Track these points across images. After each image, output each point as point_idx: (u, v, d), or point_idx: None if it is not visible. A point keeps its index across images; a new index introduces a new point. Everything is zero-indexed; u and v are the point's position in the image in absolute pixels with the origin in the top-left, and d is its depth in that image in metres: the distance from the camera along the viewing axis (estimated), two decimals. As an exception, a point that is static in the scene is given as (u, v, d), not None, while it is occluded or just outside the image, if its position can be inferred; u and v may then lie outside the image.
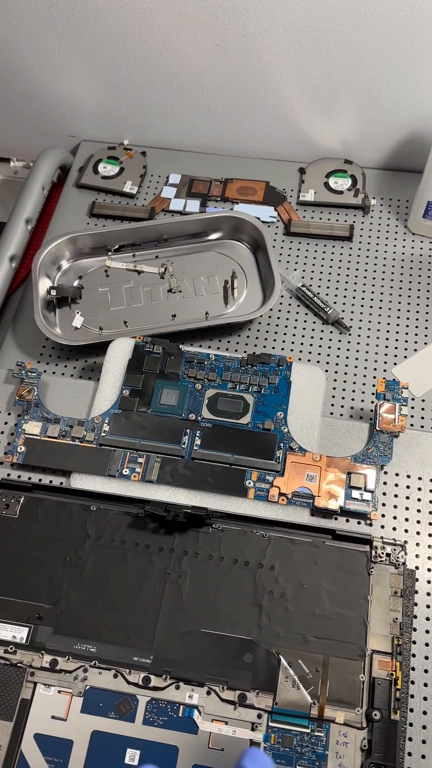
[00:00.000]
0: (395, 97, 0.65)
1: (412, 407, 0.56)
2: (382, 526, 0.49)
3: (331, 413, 0.57)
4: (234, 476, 0.50)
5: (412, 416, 0.56)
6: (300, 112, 0.69)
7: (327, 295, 0.64)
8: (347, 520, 0.49)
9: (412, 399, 0.57)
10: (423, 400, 0.57)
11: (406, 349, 0.60)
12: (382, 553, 0.46)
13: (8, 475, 0.52)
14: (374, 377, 0.59)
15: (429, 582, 0.47)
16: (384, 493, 0.50)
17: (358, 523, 0.49)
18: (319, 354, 0.60)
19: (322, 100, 0.67)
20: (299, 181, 0.71)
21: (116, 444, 0.52)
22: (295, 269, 0.65)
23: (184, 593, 0.46)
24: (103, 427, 0.52)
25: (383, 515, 0.49)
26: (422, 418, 0.56)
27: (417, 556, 0.47)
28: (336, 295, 0.64)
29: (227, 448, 0.51)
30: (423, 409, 0.56)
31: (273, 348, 0.61)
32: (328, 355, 0.60)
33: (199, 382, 0.54)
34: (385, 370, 0.59)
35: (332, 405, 0.57)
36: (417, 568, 0.47)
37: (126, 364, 0.55)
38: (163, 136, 0.75)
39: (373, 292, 0.63)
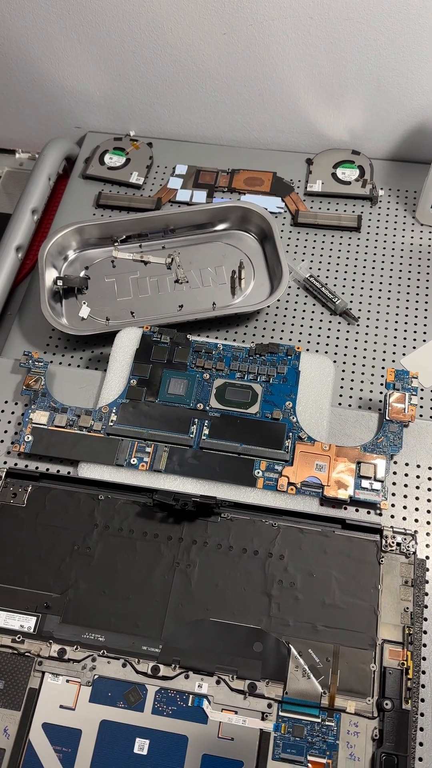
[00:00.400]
0: (404, 88, 0.65)
1: (422, 397, 0.56)
2: (392, 516, 0.48)
3: (340, 403, 0.57)
4: (242, 466, 0.50)
5: (421, 406, 0.56)
6: (308, 102, 0.68)
7: (335, 285, 0.63)
8: (357, 510, 0.49)
9: (422, 389, 0.56)
10: (432, 391, 0.57)
11: (414, 339, 0.60)
12: (393, 543, 0.46)
13: (15, 464, 0.51)
14: (383, 367, 0.58)
15: (439, 572, 0.46)
16: (394, 483, 0.49)
17: (368, 512, 0.48)
18: (327, 344, 0.60)
19: (330, 90, 0.67)
20: (307, 172, 0.70)
21: (124, 433, 0.51)
22: (303, 260, 0.65)
23: (193, 582, 0.46)
24: (110, 416, 0.52)
25: (393, 505, 0.48)
26: (431, 408, 0.56)
27: (427, 545, 0.47)
28: (344, 286, 0.63)
29: (236, 437, 0.51)
30: (432, 399, 0.56)
31: (281, 338, 0.61)
32: (336, 345, 0.60)
33: (207, 371, 0.54)
34: (393, 361, 0.59)
35: (341, 395, 0.57)
36: (427, 557, 0.47)
37: (133, 354, 0.55)
38: (169, 126, 0.75)
39: (381, 283, 0.63)
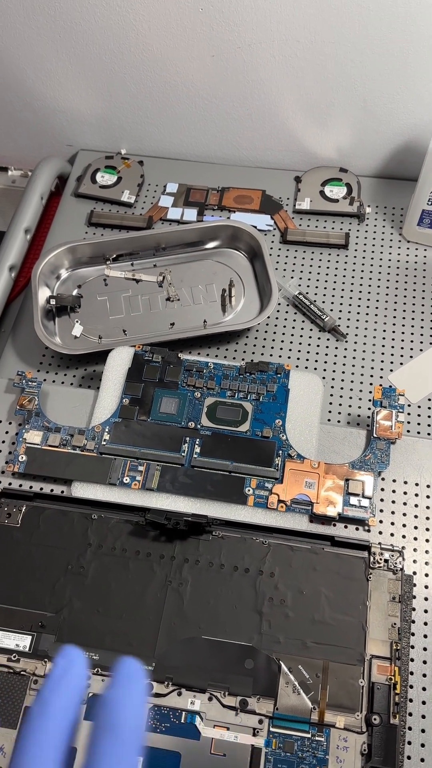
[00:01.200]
0: (389, 107, 0.66)
1: (409, 413, 0.57)
2: (380, 532, 0.49)
3: (329, 420, 0.58)
4: (233, 484, 0.50)
5: (408, 422, 0.57)
6: (295, 121, 0.69)
7: (323, 302, 0.64)
8: (345, 527, 0.49)
9: (408, 405, 0.57)
10: (419, 407, 0.58)
11: (402, 356, 0.61)
12: (381, 559, 0.47)
13: (10, 484, 0.52)
14: (371, 384, 0.59)
15: (426, 587, 0.47)
16: (382, 500, 0.50)
17: (357, 529, 0.49)
18: (316, 361, 0.61)
19: (318, 110, 0.68)
20: (295, 190, 0.72)
21: (117, 452, 0.52)
22: (292, 277, 0.66)
23: (186, 600, 0.46)
24: (103, 435, 0.53)
25: (381, 521, 0.49)
26: (418, 424, 0.57)
27: (414, 561, 0.48)
28: (332, 303, 0.64)
29: (226, 455, 0.52)
30: (419, 415, 0.57)
31: (271, 356, 0.62)
32: (325, 362, 0.61)
33: (198, 390, 0.55)
34: (381, 377, 0.60)
35: (329, 412, 0.58)
36: (415, 573, 0.47)
37: (125, 373, 0.56)
38: (160, 145, 0.76)
39: (369, 300, 0.64)
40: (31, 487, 0.52)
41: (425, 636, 0.46)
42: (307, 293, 0.64)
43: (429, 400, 0.58)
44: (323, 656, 0.44)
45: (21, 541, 0.49)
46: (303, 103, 0.67)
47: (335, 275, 0.66)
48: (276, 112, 0.69)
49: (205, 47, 0.64)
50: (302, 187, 0.71)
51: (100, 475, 0.51)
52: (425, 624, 0.46)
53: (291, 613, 0.46)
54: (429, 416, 0.57)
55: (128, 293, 0.65)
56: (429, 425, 0.56)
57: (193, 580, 0.47)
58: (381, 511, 0.50)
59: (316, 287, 0.65)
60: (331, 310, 0.64)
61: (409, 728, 0.43)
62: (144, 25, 0.63)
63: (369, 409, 0.58)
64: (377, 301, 0.64)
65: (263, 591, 0.46)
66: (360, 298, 0.64)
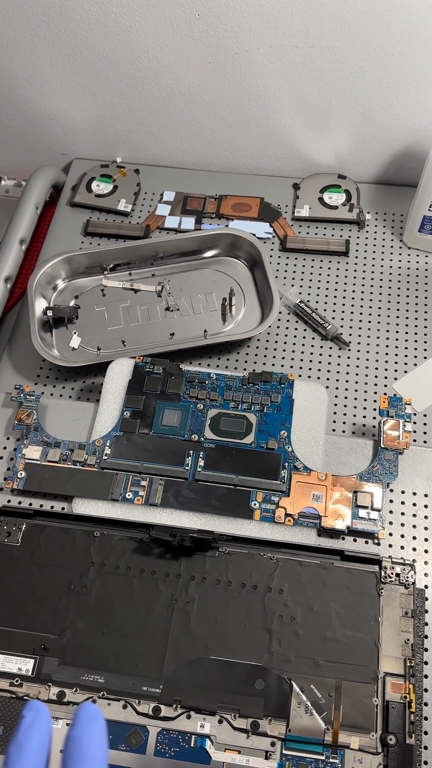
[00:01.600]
0: (388, 113, 0.65)
1: (415, 422, 0.56)
2: (390, 545, 0.48)
3: (334, 430, 0.57)
4: (239, 498, 0.49)
5: (414, 431, 0.56)
6: (293, 128, 0.69)
7: (325, 310, 0.63)
8: (355, 540, 0.48)
9: (414, 414, 0.57)
10: (425, 415, 0.57)
11: (406, 363, 0.60)
12: (392, 573, 0.46)
13: (8, 501, 0.51)
14: (375, 392, 0.58)
15: (439, 601, 0.46)
16: (391, 512, 0.49)
17: (366, 542, 0.48)
18: (319, 370, 0.60)
19: (316, 116, 0.67)
20: (294, 197, 0.71)
21: (118, 467, 0.51)
22: (293, 285, 0.65)
23: (192, 619, 0.45)
24: (104, 450, 0.52)
25: (391, 534, 0.48)
26: (425, 433, 0.56)
27: (426, 574, 0.47)
28: (334, 311, 0.63)
29: (231, 468, 0.50)
30: (425, 424, 0.56)
31: (273, 365, 0.61)
32: (329, 371, 0.60)
33: (201, 401, 0.54)
34: (386, 385, 0.59)
35: (334, 422, 0.57)
36: (426, 587, 0.46)
37: (126, 385, 0.55)
38: (156, 153, 0.75)
39: (371, 307, 0.63)
40: (30, 505, 0.51)
41: (439, 651, 0.45)
42: (308, 301, 0.64)
43: (435, 408, 0.57)
44: (336, 675, 0.43)
45: (21, 560, 0.48)
46: (301, 110, 0.67)
47: (336, 283, 0.65)
48: (274, 119, 0.68)
49: (202, 54, 0.63)
50: (301, 194, 0.71)
51: (102, 491, 0.50)
52: (438, 639, 0.45)
53: (301, 631, 0.44)
54: (435, 425, 0.56)
55: (126, 303, 0.64)
56: (435, 434, 0.55)
57: (199, 598, 0.46)
58: (390, 523, 0.49)
59: (318, 295, 0.64)
60: (333, 318, 0.63)
61: (425, 747, 0.42)
62: (140, 32, 0.62)
63: (374, 418, 0.57)
64: (379, 308, 0.63)
65: (272, 608, 0.45)
66: (362, 306, 0.63)
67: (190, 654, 0.44)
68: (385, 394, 0.52)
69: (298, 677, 0.43)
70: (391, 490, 0.50)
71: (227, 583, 0.46)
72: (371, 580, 0.46)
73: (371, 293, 0.64)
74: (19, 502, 0.51)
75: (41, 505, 0.51)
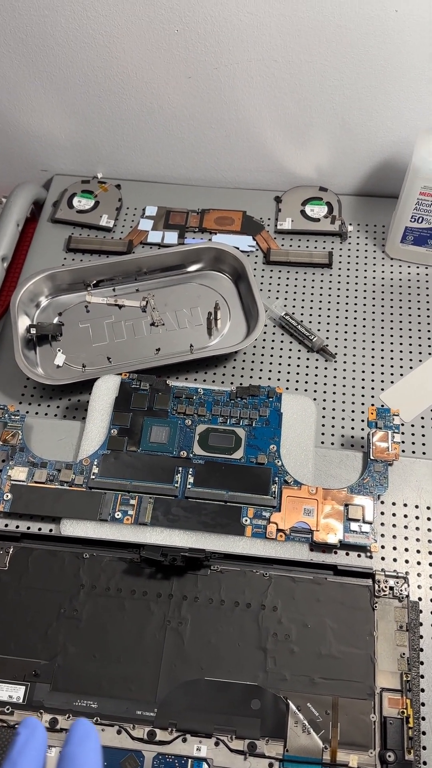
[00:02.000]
0: (367, 125, 0.66)
1: (403, 433, 0.56)
2: (383, 558, 0.48)
3: (323, 443, 0.56)
4: (230, 514, 0.49)
5: (403, 442, 0.56)
6: (274, 141, 0.69)
7: (310, 322, 0.63)
8: (347, 554, 0.48)
9: (403, 425, 0.57)
10: (413, 425, 0.57)
11: (392, 374, 0.60)
12: (386, 587, 0.45)
13: (-5, 524, 0.50)
14: (363, 404, 0.58)
15: (433, 613, 0.46)
16: (382, 524, 0.49)
17: (359, 555, 0.48)
18: (306, 383, 0.60)
19: (296, 129, 0.68)
20: (276, 210, 0.71)
21: (107, 486, 0.50)
22: (277, 298, 0.65)
23: (186, 640, 0.44)
24: (92, 469, 0.51)
25: (383, 546, 0.48)
26: (413, 443, 0.56)
27: (419, 587, 0.47)
28: (319, 323, 0.64)
29: (221, 484, 0.50)
30: (413, 434, 0.56)
31: (260, 378, 0.60)
32: (315, 383, 0.60)
33: (189, 417, 0.53)
34: (373, 396, 0.59)
35: (323, 434, 0.57)
36: (420, 599, 0.46)
37: (113, 402, 0.54)
38: (137, 168, 0.75)
39: (356, 318, 0.63)
40: (17, 527, 0.50)
41: (434, 664, 0.44)
42: (293, 314, 0.64)
43: (422, 418, 0.57)
44: (332, 692, 0.43)
45: (9, 584, 0.47)
46: (281, 123, 0.67)
47: (320, 294, 0.65)
48: (254, 133, 0.69)
49: (182, 69, 0.63)
50: (283, 207, 0.71)
51: (91, 511, 0.49)
52: (434, 652, 0.45)
53: (296, 648, 0.44)
54: (423, 435, 0.56)
55: (111, 319, 0.63)
56: (424, 444, 0.56)
57: (192, 618, 0.45)
58: (382, 535, 0.49)
59: (302, 307, 0.64)
60: (319, 330, 0.63)
61: (424, 763, 0.42)
62: (119, 48, 0.62)
63: (363, 429, 0.57)
64: (364, 319, 0.63)
65: (266, 626, 0.45)
66: (347, 317, 0.64)
67: (185, 676, 0.43)
68: (373, 405, 0.52)
69: (294, 696, 0.43)
70: (382, 502, 0.50)
71: (220, 601, 0.46)
72: (365, 594, 0.45)
73: (356, 304, 0.64)
74: (6, 525, 0.50)
75: (28, 528, 0.50)
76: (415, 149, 0.57)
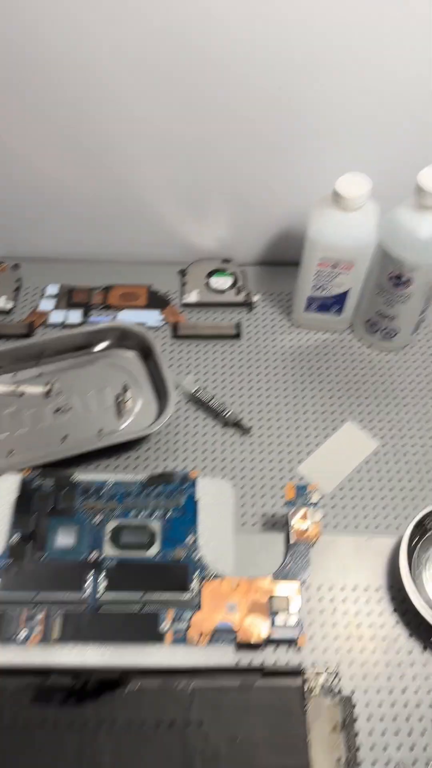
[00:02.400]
0: (262, 197, 0.67)
1: (324, 505, 0.55)
2: (313, 650, 0.45)
3: (243, 524, 0.54)
4: (147, 621, 0.45)
5: (325, 515, 0.54)
6: (173, 216, 0.69)
7: (223, 396, 0.62)
8: (276, 647, 0.45)
9: (322, 498, 0.55)
10: (333, 497, 0.55)
11: (308, 444, 0.59)
12: (314, 685, 0.43)
13: None
14: (281, 478, 0.57)
15: (367, 705, 0.43)
16: (308, 612, 0.47)
17: (287, 648, 0.45)
18: (223, 460, 0.58)
19: (193, 203, 0.68)
20: (181, 283, 0.70)
21: (9, 600, 0.45)
22: (188, 373, 0.63)
23: (105, 774, 0.40)
24: (-8, 583, 0.46)
25: (311, 637, 0.46)
26: (335, 516, 0.54)
27: (351, 678, 0.44)
28: (232, 395, 0.62)
29: (137, 586, 0.46)
30: (334, 506, 0.55)
31: (175, 460, 0.58)
32: (232, 460, 0.58)
33: (100, 512, 0.50)
34: (291, 469, 0.57)
35: (242, 515, 0.54)
36: (353, 691, 0.44)
37: (13, 505, 0.50)
38: (36, 247, 0.73)
39: (268, 389, 0.63)
40: None
41: (374, 763, 0.42)
42: (205, 387, 0.62)
43: (340, 489, 0.56)
44: None
45: None
46: (178, 198, 0.67)
47: (231, 367, 0.64)
48: (152, 208, 0.68)
49: (75, 151, 0.62)
50: (188, 279, 0.70)
51: (-8, 633, 0.44)
52: (371, 749, 0.42)
53: (227, 767, 0.40)
54: (344, 506, 0.55)
55: (12, 409, 0.59)
56: (345, 517, 0.54)
57: (112, 746, 0.41)
58: (310, 625, 0.46)
59: (214, 381, 0.63)
60: (232, 403, 0.61)
61: None
62: (4, 133, 0.61)
63: (283, 507, 0.55)
64: (276, 389, 0.62)
65: (192, 745, 0.41)
66: (259, 388, 0.63)
67: None
68: (291, 481, 0.51)
69: None
70: (305, 586, 0.48)
71: (140, 723, 0.41)
72: (296, 696, 0.42)
73: (267, 375, 0.64)
74: None
75: None
76: (309, 221, 0.58)
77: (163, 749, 0.41)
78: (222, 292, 0.69)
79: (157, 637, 0.44)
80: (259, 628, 0.45)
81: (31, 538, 0.48)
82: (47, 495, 0.50)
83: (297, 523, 0.49)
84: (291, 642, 0.45)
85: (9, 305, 0.68)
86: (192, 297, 0.68)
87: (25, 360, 0.62)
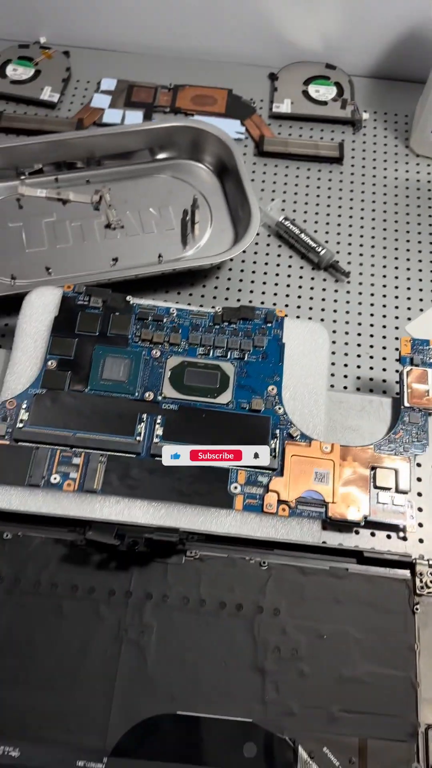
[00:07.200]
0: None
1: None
2: (421, 540, 0.35)
3: (333, 386, 0.43)
4: (213, 479, 0.35)
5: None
6: (268, 1, 0.53)
7: (316, 231, 0.49)
8: (373, 534, 0.36)
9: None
10: (449, 365, 0.44)
11: (421, 299, 0.47)
12: (430, 581, 0.33)
13: None
14: (384, 336, 0.45)
15: None
16: (419, 494, 0.36)
17: (388, 537, 0.36)
18: (310, 308, 0.46)
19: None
20: (271, 89, 0.56)
21: (40, 439, 0.36)
22: (273, 199, 0.50)
23: (150, 658, 0.31)
24: (19, 415, 0.36)
25: (421, 525, 0.36)
26: (451, 387, 0.43)
27: (472, 579, 0.34)
28: (327, 232, 0.50)
29: (201, 439, 0.36)
30: (451, 376, 0.43)
31: (251, 301, 0.46)
32: (323, 309, 0.46)
33: (157, 347, 0.39)
34: (397, 328, 0.46)
35: (333, 375, 0.43)
36: (474, 595, 0.34)
37: (50, 325, 0.39)
38: (91, 32, 0.59)
39: (373, 227, 0.50)
40: None
41: None
42: (294, 220, 0.49)
43: (461, 355, 0.44)
44: (358, 731, 0.30)
45: None
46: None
47: (329, 197, 0.51)
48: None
49: None
50: (279, 86, 0.56)
51: (16, 474, 0.35)
52: None
53: (307, 669, 0.31)
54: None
55: (52, 218, 0.48)
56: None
57: (160, 626, 0.32)
58: (420, 510, 0.36)
59: (306, 212, 0.50)
60: (327, 241, 0.49)
61: None
62: None
63: (384, 370, 0.44)
64: (384, 229, 0.50)
65: (265, 638, 0.32)
66: (362, 226, 0.50)
67: (148, 709, 0.30)
68: (407, 336, 0.39)
69: (305, 737, 0.30)
70: (419, 465, 0.37)
71: (199, 602, 0.32)
72: (402, 591, 0.33)
73: (373, 210, 0.51)
74: None
75: None
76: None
77: (228, 638, 0.32)
78: (323, 104, 0.55)
79: (225, 501, 0.35)
80: (357, 503, 0.35)
81: (71, 367, 0.38)
82: (94, 318, 0.39)
83: (414, 382, 0.37)
84: (396, 528, 0.35)
85: (55, 98, 0.55)
86: (284, 107, 0.55)
87: (71, 161, 0.50)
